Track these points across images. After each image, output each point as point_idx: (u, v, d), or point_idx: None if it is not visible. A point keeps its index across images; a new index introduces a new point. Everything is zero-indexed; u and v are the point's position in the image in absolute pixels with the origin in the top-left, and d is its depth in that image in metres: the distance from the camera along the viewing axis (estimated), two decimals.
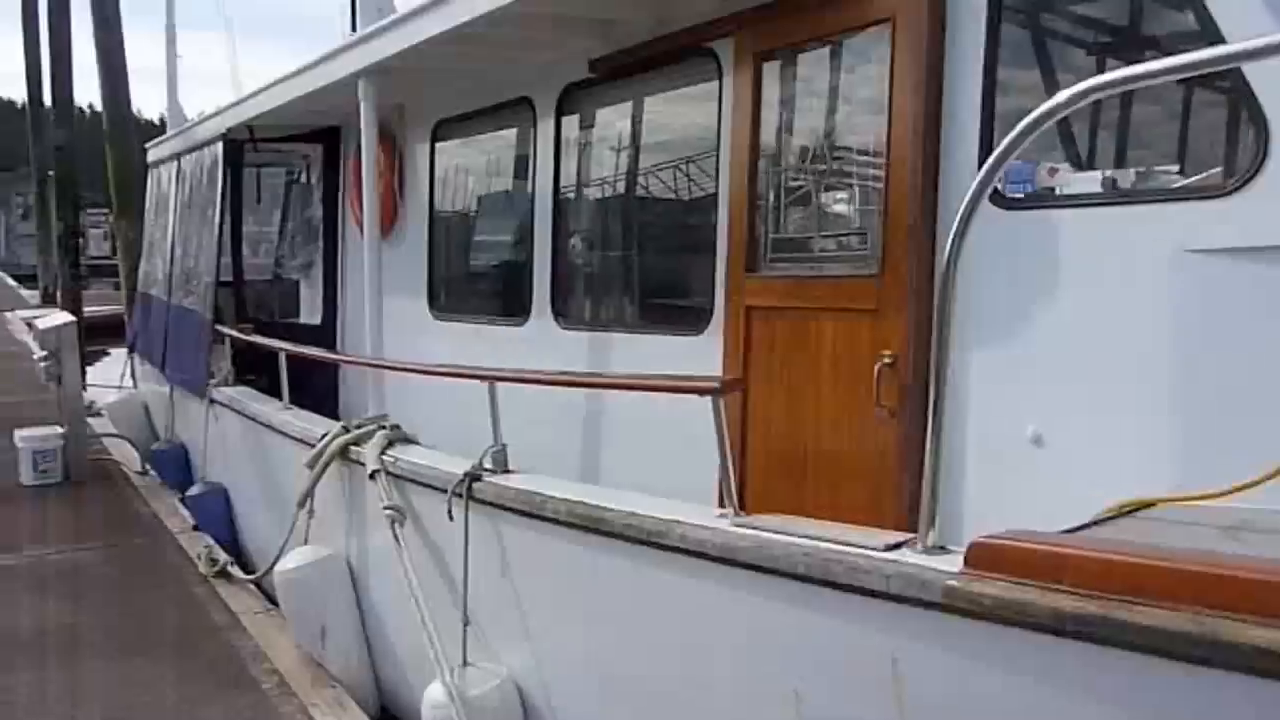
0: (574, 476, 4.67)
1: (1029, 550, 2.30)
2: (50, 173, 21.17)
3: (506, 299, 6.05)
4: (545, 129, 5.48)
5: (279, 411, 6.48)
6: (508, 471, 4.14)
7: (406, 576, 4.29)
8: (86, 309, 16.83)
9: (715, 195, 4.38)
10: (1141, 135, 3.42)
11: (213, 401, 7.77)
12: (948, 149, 3.48)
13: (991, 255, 3.16)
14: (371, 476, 4.73)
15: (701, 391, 3.24)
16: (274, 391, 6.87)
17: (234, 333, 7.65)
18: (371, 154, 5.67)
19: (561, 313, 5.39)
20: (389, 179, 6.86)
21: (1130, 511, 2.80)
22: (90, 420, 10.35)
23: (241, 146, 8.60)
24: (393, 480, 4.69)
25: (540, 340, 5.44)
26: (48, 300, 24.32)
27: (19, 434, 8.93)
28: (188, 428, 8.93)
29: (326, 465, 5.26)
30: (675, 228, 5.16)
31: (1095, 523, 2.72)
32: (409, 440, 5.03)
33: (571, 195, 5.44)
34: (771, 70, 4.12)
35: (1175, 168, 3.19)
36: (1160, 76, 2.19)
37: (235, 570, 6.56)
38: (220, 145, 8.32)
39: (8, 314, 24.18)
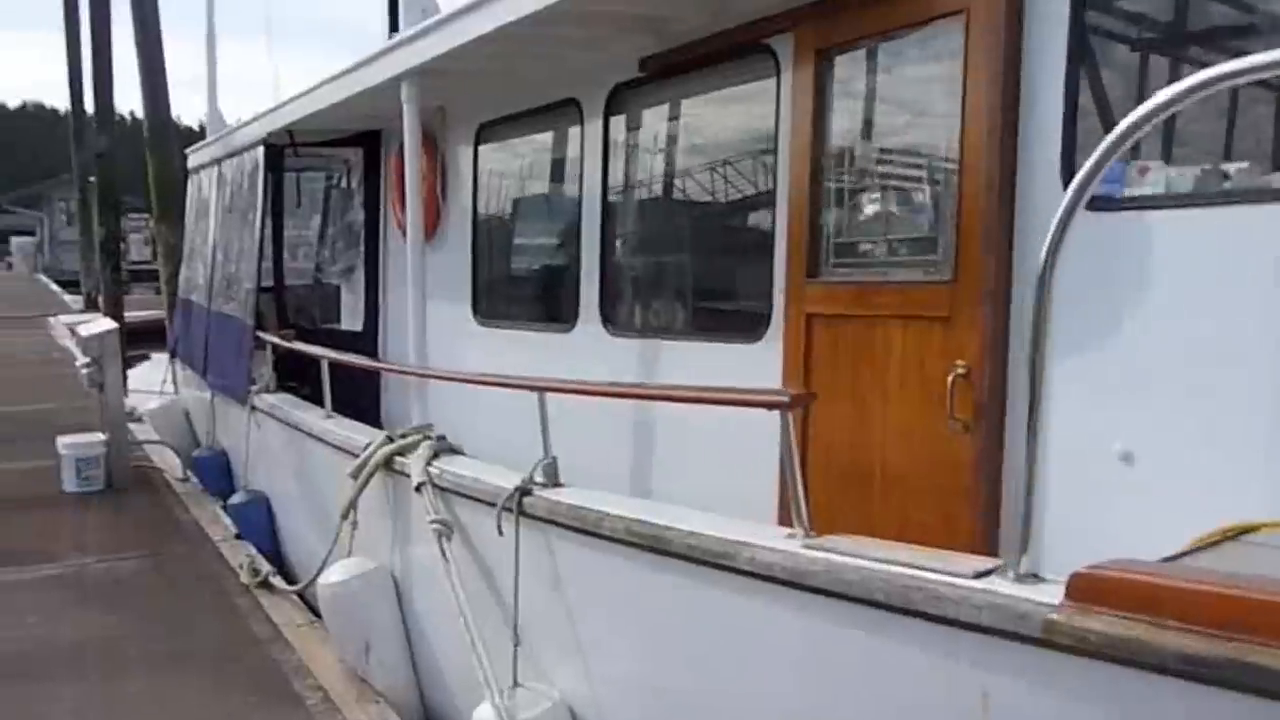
0: (622, 488, 4.52)
1: (1139, 583, 2.11)
2: (92, 179, 21.36)
3: (553, 304, 5.92)
4: (593, 130, 5.34)
5: (321, 420, 6.37)
6: (558, 485, 3.99)
7: (454, 593, 4.16)
8: (127, 314, 17.00)
9: (772, 197, 4.21)
10: (1244, 132, 3.21)
11: (254, 408, 7.69)
12: (1025, 147, 3.30)
13: (1078, 259, 2.96)
14: (417, 489, 4.60)
15: (770, 405, 3.07)
16: (315, 398, 6.77)
17: (276, 339, 7.57)
18: (415, 157, 5.55)
19: (610, 319, 5.24)
20: (431, 182, 6.76)
21: (1233, 537, 2.61)
22: (132, 426, 10.35)
23: (282, 151, 8.53)
24: (439, 493, 4.56)
25: (588, 347, 5.30)
26: (90, 305, 24.56)
27: (62, 441, 8.92)
28: (228, 434, 8.88)
29: (370, 476, 5.15)
30: (729, 230, 5.00)
31: (1196, 549, 2.54)
32: (454, 451, 4.89)
33: (620, 197, 5.29)
34: (834, 66, 3.94)
35: None
36: None
37: (277, 581, 6.47)
38: (261, 150, 8.26)
39: (51, 319, 24.45)
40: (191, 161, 11.68)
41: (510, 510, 3.97)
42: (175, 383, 11.51)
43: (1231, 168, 2.93)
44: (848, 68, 3.93)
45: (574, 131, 5.52)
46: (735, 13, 4.33)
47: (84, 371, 9.40)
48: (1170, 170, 3.02)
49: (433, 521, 4.41)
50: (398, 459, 5.02)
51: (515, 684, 3.98)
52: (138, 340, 15.95)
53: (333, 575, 5.17)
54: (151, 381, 12.29)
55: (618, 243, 5.30)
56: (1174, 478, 2.93)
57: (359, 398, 7.24)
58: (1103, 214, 3.03)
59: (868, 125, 3.96)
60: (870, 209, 3.93)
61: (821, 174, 3.98)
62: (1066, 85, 3.16)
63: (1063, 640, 2.19)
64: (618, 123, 5.23)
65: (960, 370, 3.37)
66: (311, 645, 5.54)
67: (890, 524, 3.61)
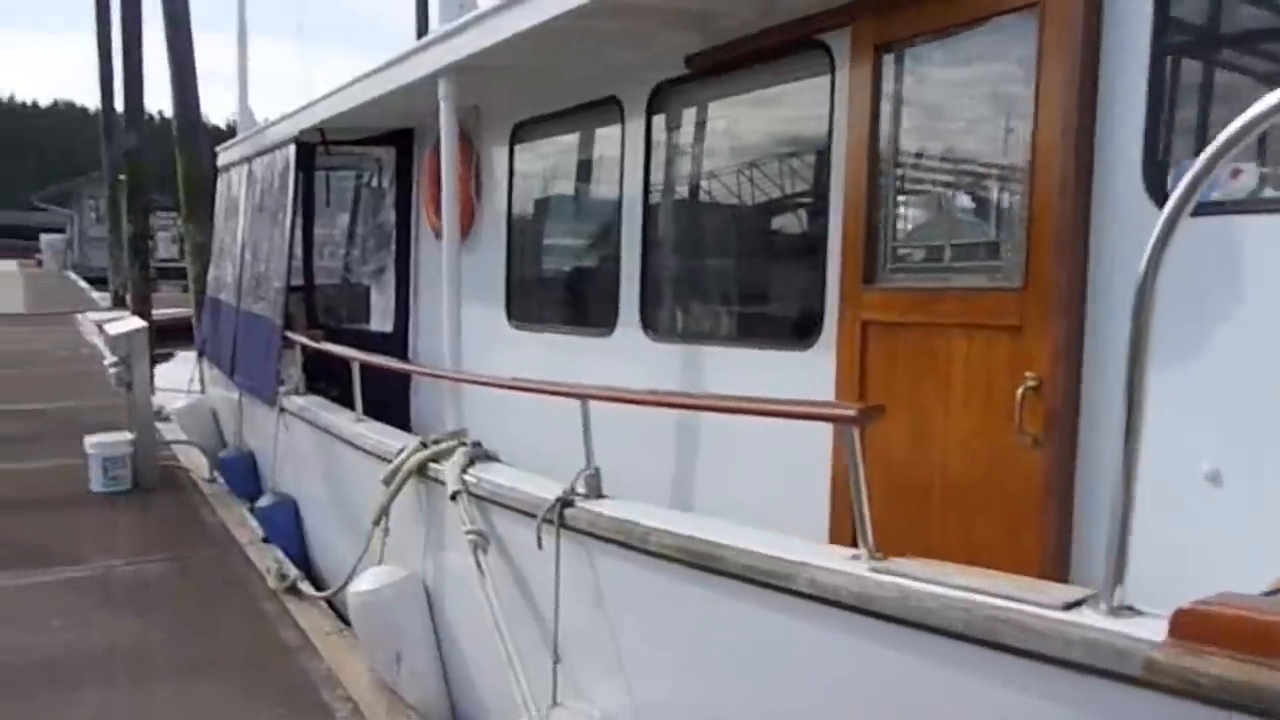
0: (662, 498, 4.36)
1: (1255, 621, 1.94)
2: (121, 176, 21.46)
3: (591, 308, 5.76)
4: (634, 129, 5.18)
5: (352, 423, 6.24)
6: (601, 496, 3.84)
7: (490, 607, 4.01)
8: (155, 311, 17.01)
9: (825, 198, 4.05)
10: None
11: (283, 410, 7.58)
12: (1102, 149, 3.12)
13: (1165, 267, 2.79)
14: (453, 498, 4.46)
15: (838, 420, 2.90)
16: (344, 400, 6.64)
17: (305, 339, 7.45)
18: (452, 155, 5.41)
19: (651, 323, 5.07)
20: (466, 182, 6.61)
21: None
22: (159, 425, 10.29)
23: (313, 150, 8.41)
24: (475, 502, 4.41)
25: (628, 352, 5.14)
26: (118, 303, 24.67)
27: (89, 440, 8.85)
28: (256, 435, 8.78)
29: (404, 482, 5.01)
30: (777, 233, 4.83)
31: None
32: (490, 458, 4.74)
33: (662, 198, 5.13)
34: (893, 63, 3.77)
35: None
36: None
37: (306, 586, 6.36)
38: (292, 148, 8.14)
39: (79, 316, 24.55)
40: (222, 159, 11.61)
41: (551, 522, 3.82)
42: (202, 382, 11.45)
43: None
44: (908, 64, 3.75)
45: (614, 131, 5.36)
46: (787, 8, 4.16)
47: (112, 370, 9.32)
48: (1265, 171, 2.83)
49: (468, 532, 4.26)
50: (432, 465, 4.88)
51: (555, 703, 3.83)
52: (164, 338, 15.93)
53: (364, 583, 5.03)
54: (177, 379, 12.26)
55: (659, 245, 5.14)
56: (1265, 500, 2.74)
57: (388, 400, 7.10)
58: (1194, 219, 2.84)
59: (931, 125, 3.78)
60: (932, 212, 3.76)
61: (879, 175, 3.80)
62: (1150, 83, 2.98)
63: (1165, 681, 2.02)
64: (660, 121, 5.07)
65: (1031, 382, 3.19)
66: (340, 654, 5.42)
67: (950, 542, 3.43)
